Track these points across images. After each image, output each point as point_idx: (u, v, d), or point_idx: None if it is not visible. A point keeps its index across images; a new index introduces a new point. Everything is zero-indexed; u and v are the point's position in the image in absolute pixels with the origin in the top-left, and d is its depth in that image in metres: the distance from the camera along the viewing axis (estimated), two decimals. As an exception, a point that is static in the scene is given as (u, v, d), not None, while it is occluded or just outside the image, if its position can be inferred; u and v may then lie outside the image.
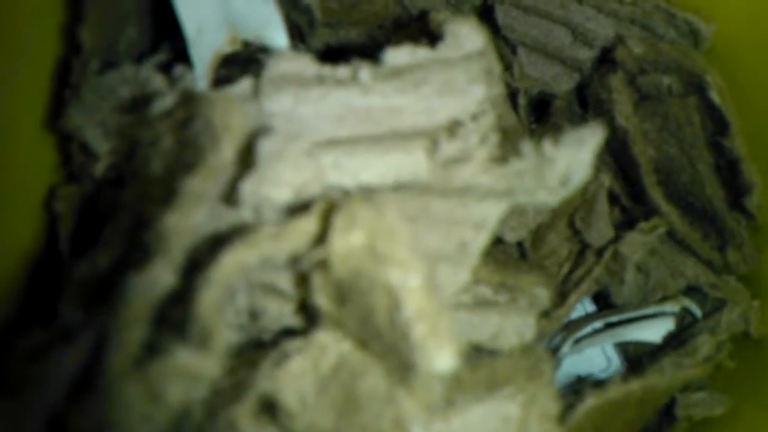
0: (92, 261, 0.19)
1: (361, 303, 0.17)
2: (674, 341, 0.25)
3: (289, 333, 0.19)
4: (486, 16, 0.25)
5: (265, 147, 0.16)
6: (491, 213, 0.17)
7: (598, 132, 0.17)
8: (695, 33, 0.23)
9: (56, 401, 0.16)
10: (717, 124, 0.23)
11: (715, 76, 0.22)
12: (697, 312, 0.26)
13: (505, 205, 0.17)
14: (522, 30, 0.25)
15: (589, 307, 0.27)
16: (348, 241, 0.16)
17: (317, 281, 0.17)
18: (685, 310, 0.26)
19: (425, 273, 0.16)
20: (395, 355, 0.17)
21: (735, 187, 0.23)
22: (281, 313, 0.19)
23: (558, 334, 0.26)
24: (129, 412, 0.15)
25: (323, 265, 0.17)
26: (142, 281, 0.16)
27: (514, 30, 0.25)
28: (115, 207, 0.20)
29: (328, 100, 0.18)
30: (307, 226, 0.16)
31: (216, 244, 0.16)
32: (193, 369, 0.15)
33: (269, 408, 0.18)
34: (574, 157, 0.17)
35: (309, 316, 0.19)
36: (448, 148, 0.18)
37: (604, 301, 0.27)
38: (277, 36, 0.21)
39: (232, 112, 0.16)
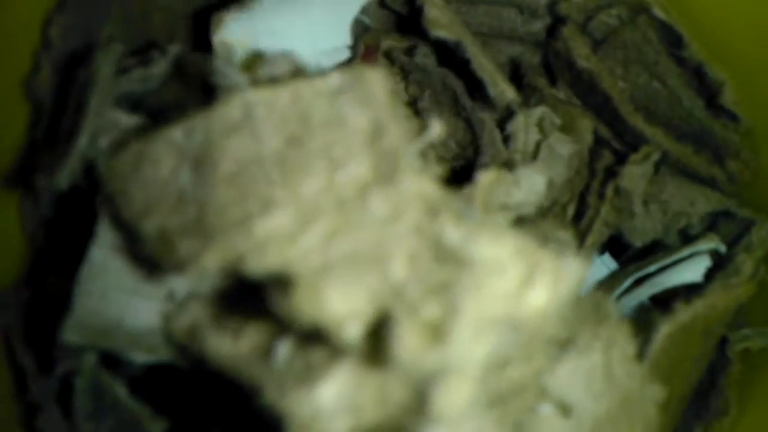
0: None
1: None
2: (714, 272, 0.25)
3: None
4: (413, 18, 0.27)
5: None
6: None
7: None
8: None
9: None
10: (670, 38, 0.24)
11: (654, -6, 0.24)
12: (723, 249, 0.26)
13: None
14: (476, 21, 0.27)
15: (611, 264, 0.27)
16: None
17: None
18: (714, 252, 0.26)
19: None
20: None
21: (708, 93, 0.24)
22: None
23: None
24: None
25: None
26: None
27: (469, 23, 0.27)
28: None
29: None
30: None
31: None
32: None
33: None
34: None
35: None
36: None
37: (616, 251, 0.26)
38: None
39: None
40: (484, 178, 0.19)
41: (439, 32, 0.24)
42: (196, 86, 0.21)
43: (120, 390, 0.20)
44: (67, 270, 0.20)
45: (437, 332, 0.13)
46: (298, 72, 0.20)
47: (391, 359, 0.13)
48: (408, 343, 0.13)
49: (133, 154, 0.18)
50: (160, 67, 0.21)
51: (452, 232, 0.15)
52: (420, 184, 0.16)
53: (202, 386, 0.20)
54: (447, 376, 0.13)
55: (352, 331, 0.13)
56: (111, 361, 0.21)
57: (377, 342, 0.14)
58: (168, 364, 0.20)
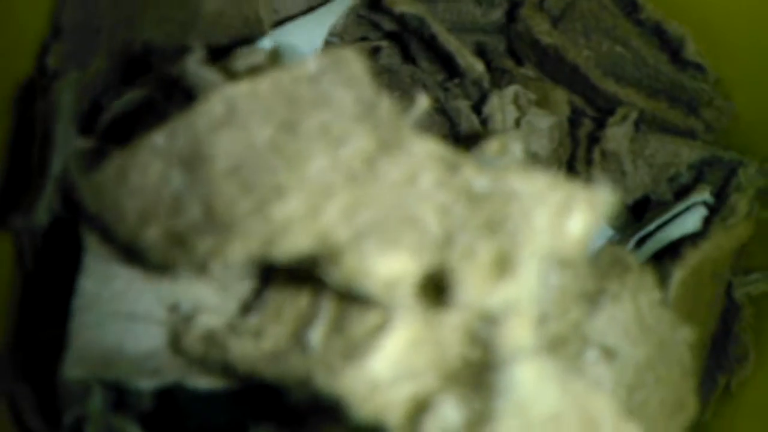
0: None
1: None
2: (712, 217, 0.25)
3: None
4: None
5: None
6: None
7: None
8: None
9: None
10: (625, 2, 0.25)
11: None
12: (711, 200, 0.26)
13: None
14: (437, 18, 0.27)
15: (606, 229, 0.27)
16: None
17: None
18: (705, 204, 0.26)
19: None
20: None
21: (671, 49, 0.25)
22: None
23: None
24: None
25: None
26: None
27: (434, 20, 0.27)
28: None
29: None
30: None
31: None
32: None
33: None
34: None
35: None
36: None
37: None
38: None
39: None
40: (490, 145, 0.18)
41: (401, 7, 0.24)
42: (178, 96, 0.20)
43: (133, 430, 0.19)
44: (58, 318, 0.19)
45: (502, 266, 0.12)
46: (275, 60, 0.19)
47: (458, 306, 0.12)
48: (473, 284, 0.12)
49: (115, 167, 0.17)
50: (149, 89, 0.20)
51: (481, 180, 0.14)
52: (428, 146, 0.16)
53: (213, 406, 0.19)
54: (511, 317, 0.12)
55: (403, 290, 0.13)
56: (118, 402, 0.19)
57: (435, 297, 0.13)
58: (174, 387, 0.18)
